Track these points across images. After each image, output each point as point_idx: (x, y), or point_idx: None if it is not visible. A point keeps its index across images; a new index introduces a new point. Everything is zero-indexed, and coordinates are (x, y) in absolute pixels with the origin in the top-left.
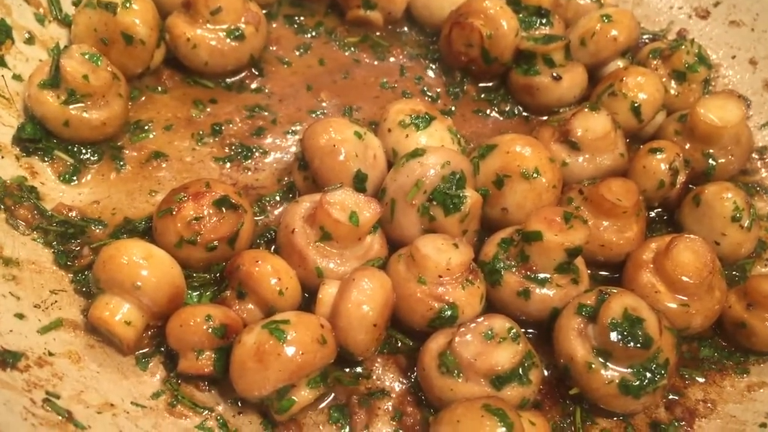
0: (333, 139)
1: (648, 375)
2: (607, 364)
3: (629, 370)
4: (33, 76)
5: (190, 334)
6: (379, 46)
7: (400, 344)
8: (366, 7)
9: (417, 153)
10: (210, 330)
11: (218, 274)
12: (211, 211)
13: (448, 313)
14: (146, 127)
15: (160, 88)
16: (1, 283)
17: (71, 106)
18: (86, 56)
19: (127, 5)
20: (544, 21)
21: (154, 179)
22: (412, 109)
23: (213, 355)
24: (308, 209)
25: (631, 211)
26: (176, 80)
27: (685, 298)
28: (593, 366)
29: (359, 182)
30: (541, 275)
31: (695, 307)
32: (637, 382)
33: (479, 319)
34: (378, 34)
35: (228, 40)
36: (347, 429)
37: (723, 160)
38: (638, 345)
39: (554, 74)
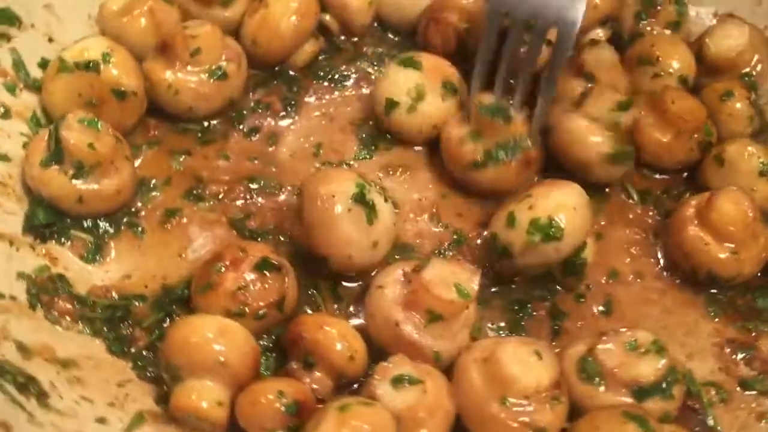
0: (329, 190)
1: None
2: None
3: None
4: (30, 155)
5: (261, 414)
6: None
7: None
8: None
9: None
10: (283, 408)
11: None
12: (253, 277)
13: None
14: (151, 185)
15: (151, 142)
16: (68, 389)
17: (82, 180)
18: (85, 123)
19: (108, 60)
20: None
21: (177, 239)
22: None
23: None
24: (400, 295)
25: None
26: (164, 129)
27: (732, 246)
28: None
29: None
30: None
31: (744, 255)
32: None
33: (622, 330)
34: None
35: (211, 81)
36: None
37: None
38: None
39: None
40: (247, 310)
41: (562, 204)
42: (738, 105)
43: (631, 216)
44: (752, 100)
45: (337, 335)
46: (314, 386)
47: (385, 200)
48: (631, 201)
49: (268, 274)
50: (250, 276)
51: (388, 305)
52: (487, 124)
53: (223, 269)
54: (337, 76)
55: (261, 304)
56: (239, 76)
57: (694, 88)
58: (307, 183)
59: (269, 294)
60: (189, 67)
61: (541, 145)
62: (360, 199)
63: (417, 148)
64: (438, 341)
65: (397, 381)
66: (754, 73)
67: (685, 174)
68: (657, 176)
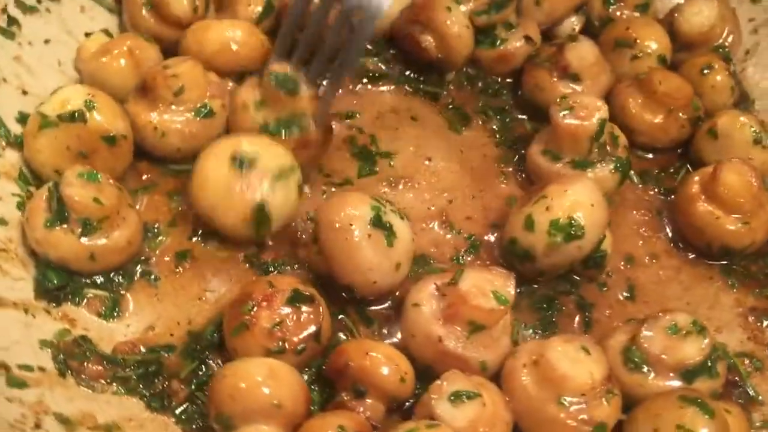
0: (346, 218)
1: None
2: None
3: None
4: (30, 218)
5: None
6: None
7: None
8: None
9: None
10: None
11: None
12: (288, 311)
13: None
14: (155, 230)
15: (146, 187)
16: None
17: (91, 237)
18: (85, 177)
19: (93, 107)
20: None
21: (193, 281)
22: None
23: None
24: (437, 309)
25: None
26: (156, 172)
27: (741, 216)
28: None
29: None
30: None
31: (754, 223)
32: None
33: (659, 314)
34: None
35: (197, 120)
36: None
37: None
38: None
39: (526, 36)
40: (286, 346)
41: (579, 202)
42: (719, 77)
43: (634, 198)
44: (731, 71)
45: (384, 359)
46: (368, 414)
47: (401, 218)
48: (630, 182)
49: (301, 306)
50: (284, 311)
51: (428, 321)
52: (272, 93)
53: (255, 308)
54: None
55: (300, 337)
56: (225, 112)
57: (671, 65)
58: (321, 211)
59: (306, 326)
60: (173, 107)
61: (326, 128)
62: (377, 222)
63: (415, 156)
64: (482, 351)
65: (455, 397)
66: (726, 44)
67: (679, 150)
68: (651, 156)
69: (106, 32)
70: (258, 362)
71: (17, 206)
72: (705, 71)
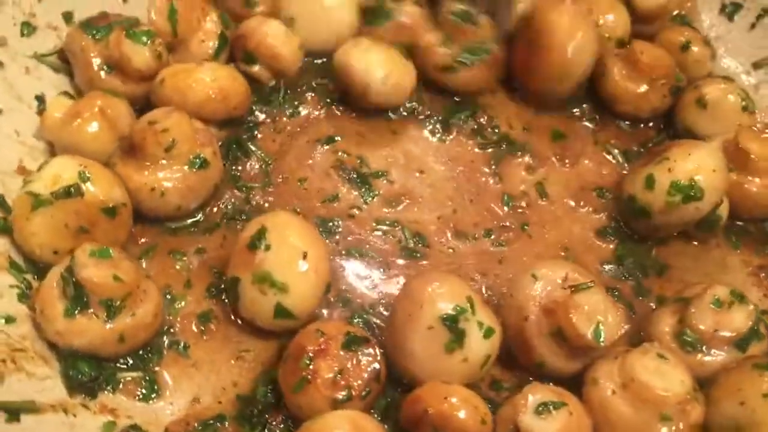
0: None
1: None
2: None
3: None
4: (45, 310)
5: None
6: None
7: None
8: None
9: None
10: None
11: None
12: (346, 357)
13: None
14: (171, 296)
15: (147, 250)
16: None
17: (116, 319)
18: (97, 255)
19: (87, 178)
20: None
21: (225, 342)
22: None
23: None
24: (546, 296)
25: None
26: (152, 233)
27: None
28: None
29: None
30: None
31: None
32: None
33: (697, 292)
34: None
35: (194, 172)
36: None
37: None
38: None
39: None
40: (353, 393)
41: (702, 166)
42: (696, 49)
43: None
44: (706, 39)
45: (461, 403)
46: None
47: (486, 331)
48: (617, 163)
49: (358, 349)
50: (343, 357)
51: (528, 296)
52: (456, 29)
53: (313, 360)
54: (288, 124)
55: (363, 381)
56: (217, 159)
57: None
58: (411, 280)
59: (367, 368)
60: (163, 162)
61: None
62: (451, 323)
63: (407, 170)
64: (550, 355)
65: (543, 408)
66: (683, 12)
67: (661, 125)
68: (632, 129)
69: (67, 94)
70: (339, 417)
71: (18, 299)
72: (684, 48)
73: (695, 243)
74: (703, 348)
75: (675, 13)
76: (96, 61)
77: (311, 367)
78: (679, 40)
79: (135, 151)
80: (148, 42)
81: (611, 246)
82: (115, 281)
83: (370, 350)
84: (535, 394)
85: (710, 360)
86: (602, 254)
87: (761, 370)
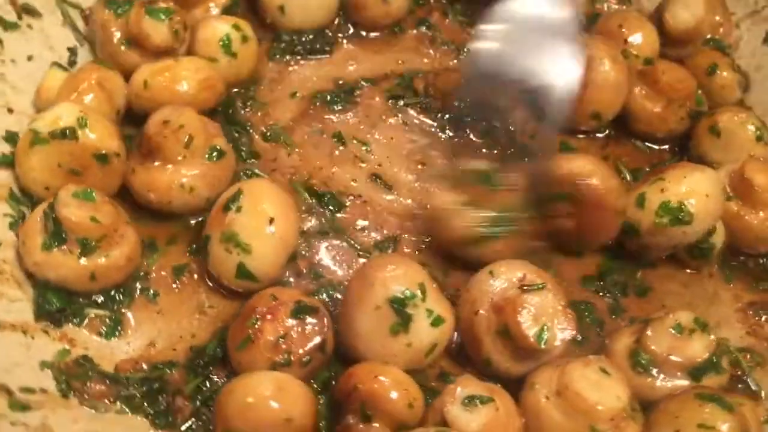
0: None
1: None
2: None
3: None
4: (26, 241)
5: None
6: None
7: None
8: None
9: None
10: None
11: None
12: (293, 323)
13: None
14: (154, 247)
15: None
16: None
17: (90, 257)
18: (80, 196)
19: (84, 124)
20: None
21: (194, 297)
22: None
23: None
24: (500, 292)
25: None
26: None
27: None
28: None
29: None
30: None
31: None
32: None
33: (660, 315)
34: None
35: (215, 162)
36: None
37: None
38: None
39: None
40: (292, 358)
41: (696, 190)
42: (725, 74)
43: None
44: (735, 65)
45: (393, 384)
46: None
47: (435, 320)
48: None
49: (306, 317)
50: (288, 323)
51: (483, 291)
52: (474, 190)
53: (260, 321)
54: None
55: (305, 349)
56: (230, 147)
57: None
58: (366, 264)
59: (311, 338)
60: (183, 159)
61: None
62: (398, 306)
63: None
64: (497, 355)
65: (469, 401)
66: (717, 36)
67: (676, 148)
68: (647, 149)
69: (58, 65)
70: (265, 376)
71: (9, 226)
72: (710, 72)
73: (688, 270)
74: (654, 372)
75: (710, 37)
76: (116, 36)
77: (257, 326)
78: (706, 63)
79: (153, 154)
80: (167, 19)
81: (596, 261)
82: (92, 222)
83: (317, 321)
84: (465, 387)
85: (660, 385)
86: (584, 267)
87: (702, 401)
